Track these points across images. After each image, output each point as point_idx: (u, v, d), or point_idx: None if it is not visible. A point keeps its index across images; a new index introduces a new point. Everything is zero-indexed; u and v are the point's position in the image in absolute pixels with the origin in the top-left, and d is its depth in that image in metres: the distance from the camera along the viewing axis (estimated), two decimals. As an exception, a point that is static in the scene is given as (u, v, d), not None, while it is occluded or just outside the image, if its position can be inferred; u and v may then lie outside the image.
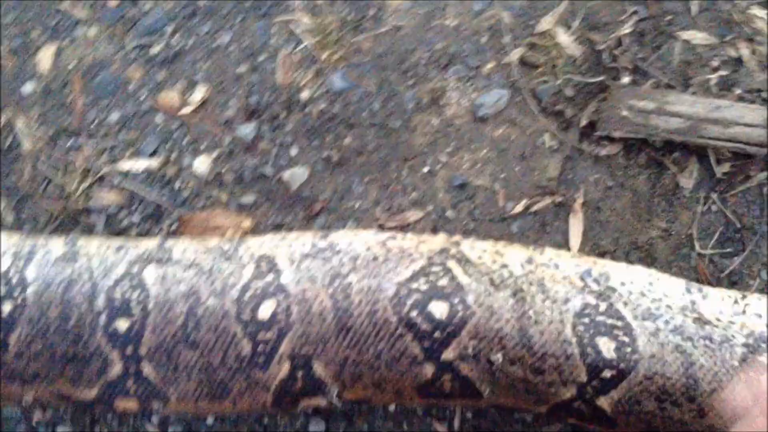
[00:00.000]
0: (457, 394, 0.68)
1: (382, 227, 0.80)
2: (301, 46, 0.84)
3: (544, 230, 0.80)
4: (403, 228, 0.80)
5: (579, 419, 0.69)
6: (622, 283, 0.69)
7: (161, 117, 0.83)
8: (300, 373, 0.67)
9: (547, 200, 0.81)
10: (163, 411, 0.69)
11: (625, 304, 0.68)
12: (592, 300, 0.68)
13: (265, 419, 0.77)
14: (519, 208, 0.80)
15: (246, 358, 0.67)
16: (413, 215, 0.81)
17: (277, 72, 0.83)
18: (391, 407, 0.77)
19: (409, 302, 0.66)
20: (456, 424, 0.77)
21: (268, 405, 0.69)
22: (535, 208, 0.81)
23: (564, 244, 0.80)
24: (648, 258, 0.79)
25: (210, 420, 0.77)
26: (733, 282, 0.78)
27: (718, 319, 0.68)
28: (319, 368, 0.67)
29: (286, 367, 0.67)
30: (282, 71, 0.83)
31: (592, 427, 0.71)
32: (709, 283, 0.71)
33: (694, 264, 0.79)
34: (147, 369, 0.67)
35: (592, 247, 0.80)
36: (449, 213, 0.81)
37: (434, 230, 0.80)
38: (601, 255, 0.79)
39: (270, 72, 0.83)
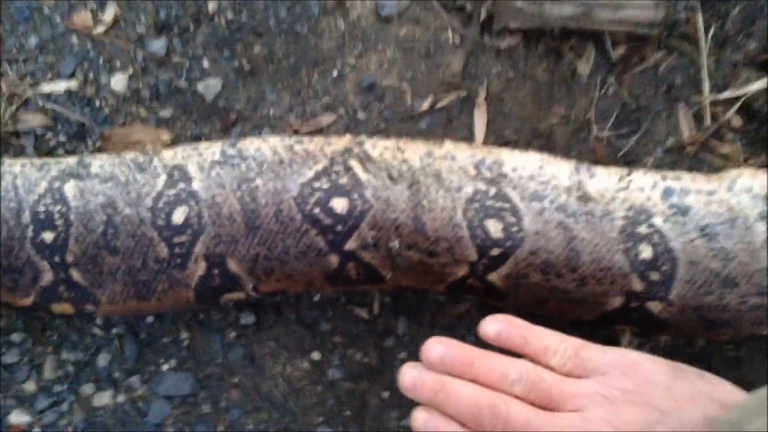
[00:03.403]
0: (363, 280, 0.75)
1: (297, 132, 0.84)
2: (207, -44, 0.84)
3: (450, 125, 0.84)
4: (317, 132, 0.84)
5: (475, 294, 0.76)
6: (514, 169, 0.74)
7: (76, 38, 0.85)
8: (216, 271, 0.73)
9: (453, 95, 0.84)
10: (97, 312, 0.75)
11: (514, 187, 0.73)
12: (482, 186, 0.73)
13: (200, 315, 0.84)
14: (426, 105, 0.84)
15: (165, 260, 0.73)
16: (326, 119, 0.84)
17: (184, -15, 0.84)
18: (316, 297, 0.84)
19: (312, 200, 0.71)
20: (375, 308, 0.83)
21: (191, 301, 0.76)
22: (441, 104, 0.84)
23: (470, 137, 0.83)
24: (549, 144, 0.83)
25: (150, 318, 0.84)
26: (630, 161, 0.82)
27: (602, 196, 0.73)
28: (233, 265, 0.73)
29: (202, 265, 0.73)
30: (188, -16, 0.84)
31: (488, 301, 0.78)
32: (606, 164, 0.75)
33: (592, 146, 0.83)
34: (76, 275, 0.73)
35: (496, 137, 0.83)
36: (360, 115, 0.84)
37: (347, 132, 0.84)
38: (505, 144, 0.83)
39: (177, -15, 0.84)
